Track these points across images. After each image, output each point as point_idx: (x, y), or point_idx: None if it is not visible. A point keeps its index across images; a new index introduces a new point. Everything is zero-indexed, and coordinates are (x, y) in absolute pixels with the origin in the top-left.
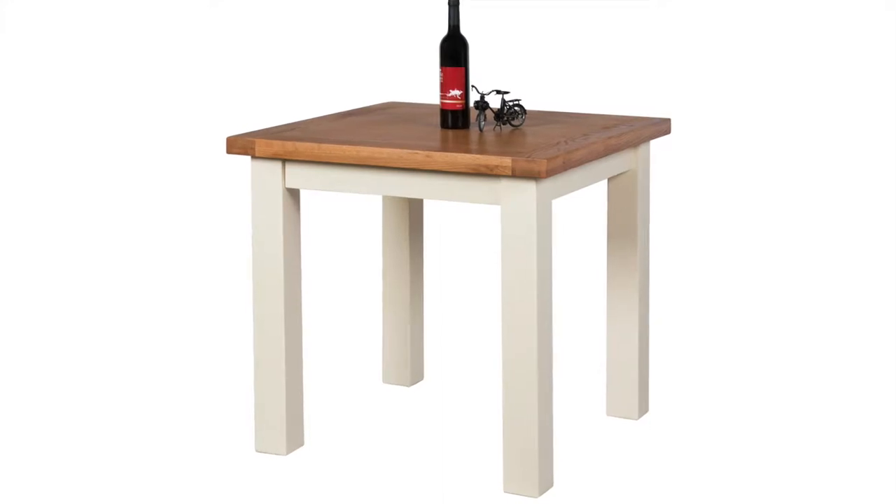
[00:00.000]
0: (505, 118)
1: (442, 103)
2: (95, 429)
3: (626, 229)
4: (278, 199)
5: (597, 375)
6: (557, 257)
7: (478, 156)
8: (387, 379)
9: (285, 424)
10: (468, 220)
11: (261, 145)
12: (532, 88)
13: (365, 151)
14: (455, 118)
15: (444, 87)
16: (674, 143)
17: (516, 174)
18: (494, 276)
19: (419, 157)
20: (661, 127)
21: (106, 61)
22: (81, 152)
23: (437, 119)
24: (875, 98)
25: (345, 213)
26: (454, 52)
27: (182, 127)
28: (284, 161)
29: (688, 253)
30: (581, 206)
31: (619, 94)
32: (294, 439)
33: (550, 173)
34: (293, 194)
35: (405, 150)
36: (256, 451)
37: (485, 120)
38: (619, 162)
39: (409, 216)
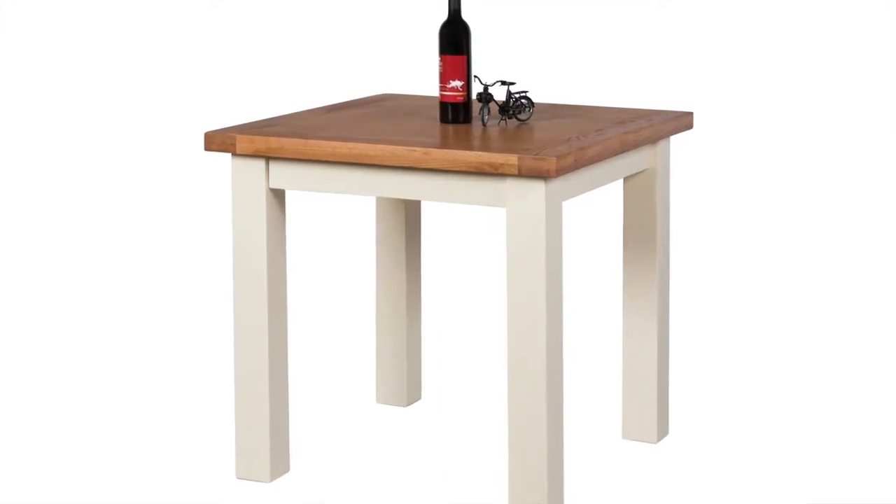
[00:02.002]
0: (511, 112)
1: (441, 95)
2: (62, 454)
3: (644, 233)
4: (261, 201)
5: (612, 386)
6: (568, 264)
7: (481, 153)
8: (381, 398)
9: (269, 448)
10: (470, 224)
11: (242, 142)
12: (540, 79)
13: (356, 148)
14: (456, 112)
15: (444, 78)
16: (696, 138)
17: (523, 173)
18: (499, 285)
19: (416, 154)
20: (682, 121)
21: (103, 60)
22: (64, 149)
23: (436, 113)
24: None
25: (335, 216)
26: (455, 39)
27: (169, 124)
28: (268, 159)
29: (711, 259)
30: (594, 208)
31: (636, 86)
32: (279, 465)
33: (560, 172)
34: (277, 195)
35: (401, 147)
36: (237, 477)
37: (488, 114)
38: (636, 160)
39: (406, 219)
